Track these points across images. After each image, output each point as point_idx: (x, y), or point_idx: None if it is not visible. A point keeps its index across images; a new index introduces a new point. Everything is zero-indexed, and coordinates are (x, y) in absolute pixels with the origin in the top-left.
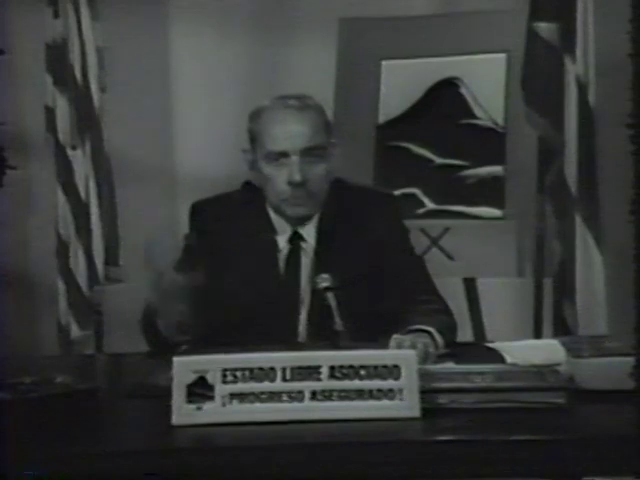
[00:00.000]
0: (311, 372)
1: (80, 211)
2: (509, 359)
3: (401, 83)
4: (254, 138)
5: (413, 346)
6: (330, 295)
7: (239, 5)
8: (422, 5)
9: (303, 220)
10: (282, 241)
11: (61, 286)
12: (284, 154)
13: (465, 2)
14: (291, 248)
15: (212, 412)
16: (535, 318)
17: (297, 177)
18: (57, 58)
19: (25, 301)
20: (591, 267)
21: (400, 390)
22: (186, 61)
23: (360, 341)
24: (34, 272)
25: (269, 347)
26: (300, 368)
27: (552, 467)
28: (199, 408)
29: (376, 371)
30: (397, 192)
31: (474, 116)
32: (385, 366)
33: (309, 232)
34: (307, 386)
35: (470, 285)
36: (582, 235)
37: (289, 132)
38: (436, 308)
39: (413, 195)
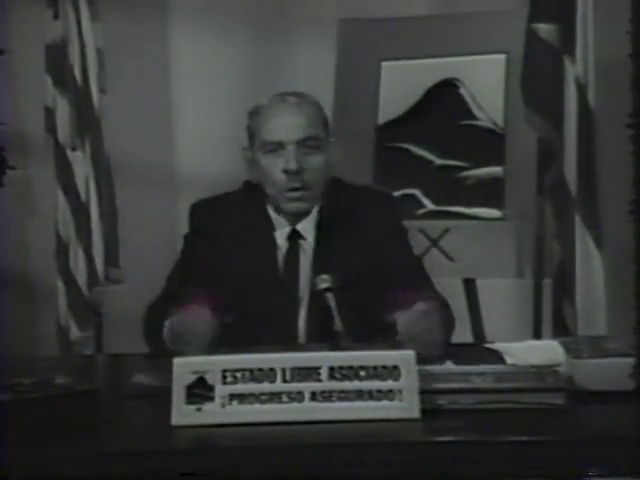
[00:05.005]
0: (311, 373)
1: (80, 212)
2: (509, 360)
3: (401, 84)
4: (252, 134)
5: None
6: (330, 296)
7: (239, 5)
8: (422, 6)
9: (301, 216)
10: (281, 239)
11: (61, 287)
12: (280, 144)
13: (465, 3)
14: (290, 246)
15: (212, 413)
16: (535, 319)
17: (292, 165)
18: (57, 59)
19: (25, 301)
20: (591, 268)
21: (400, 391)
22: (186, 61)
23: (359, 342)
24: (34, 272)
25: (269, 348)
26: (300, 369)
27: (552, 467)
28: (199, 409)
29: (376, 372)
30: (397, 193)
31: (474, 117)
32: (385, 367)
33: (308, 230)
34: (307, 387)
35: (470, 286)
36: (582, 236)
37: (285, 123)
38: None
39: (413, 196)
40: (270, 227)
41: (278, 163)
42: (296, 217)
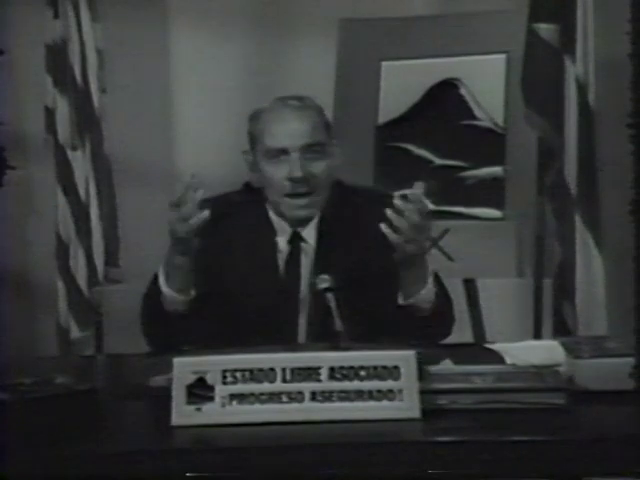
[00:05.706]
0: (311, 373)
1: (80, 212)
2: (509, 360)
3: (401, 84)
4: (254, 139)
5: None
6: (330, 296)
7: (239, 6)
8: (422, 6)
9: (303, 222)
10: (282, 242)
11: (61, 287)
12: (284, 151)
13: (465, 2)
14: (291, 249)
15: (212, 413)
16: (535, 319)
17: (297, 172)
18: (57, 59)
19: (25, 301)
20: (591, 268)
21: (400, 391)
22: (186, 62)
23: (360, 342)
24: (34, 272)
25: (269, 348)
26: (300, 369)
27: (552, 467)
28: (199, 409)
29: (376, 372)
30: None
31: (474, 117)
32: (385, 367)
33: (309, 233)
34: (307, 387)
35: (470, 286)
36: (582, 236)
37: (289, 129)
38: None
39: None
40: (271, 230)
41: (282, 170)
42: (298, 222)
